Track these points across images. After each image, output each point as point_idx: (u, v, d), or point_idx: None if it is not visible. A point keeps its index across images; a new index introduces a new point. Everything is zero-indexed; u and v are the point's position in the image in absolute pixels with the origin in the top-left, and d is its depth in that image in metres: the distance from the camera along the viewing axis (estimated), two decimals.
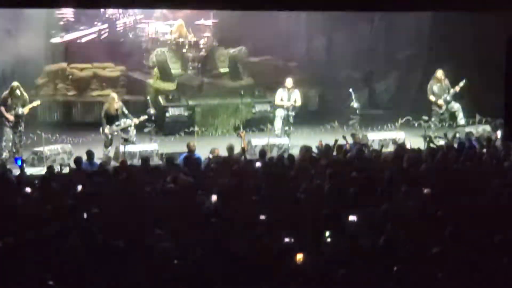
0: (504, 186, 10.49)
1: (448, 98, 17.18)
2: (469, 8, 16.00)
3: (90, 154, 13.23)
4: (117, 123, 15.44)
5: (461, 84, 16.98)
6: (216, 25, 19.52)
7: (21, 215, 9.27)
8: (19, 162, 12.91)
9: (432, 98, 17.21)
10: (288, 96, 16.51)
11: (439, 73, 17.26)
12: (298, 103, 16.62)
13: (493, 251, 7.96)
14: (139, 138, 15.83)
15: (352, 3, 14.97)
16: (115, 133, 15.42)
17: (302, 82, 20.03)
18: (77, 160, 12.71)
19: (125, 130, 15.51)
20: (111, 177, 11.61)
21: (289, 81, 16.68)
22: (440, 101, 17.13)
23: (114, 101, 15.51)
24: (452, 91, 17.13)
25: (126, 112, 15.64)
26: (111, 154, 15.25)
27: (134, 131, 15.59)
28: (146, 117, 15.79)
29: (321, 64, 21.27)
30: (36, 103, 15.36)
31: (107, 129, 15.30)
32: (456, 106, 17.27)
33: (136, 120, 15.54)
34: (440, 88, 17.21)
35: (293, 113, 16.57)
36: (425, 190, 10.38)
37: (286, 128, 16.54)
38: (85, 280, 7.45)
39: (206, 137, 17.38)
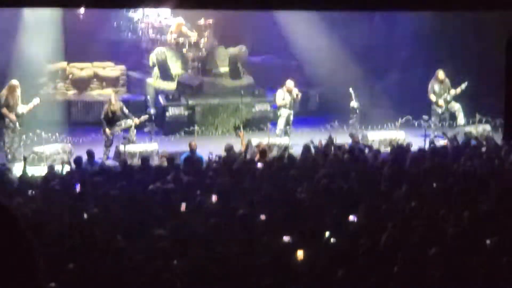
0: (504, 187, 10.50)
1: (449, 98, 17.18)
2: (469, 8, 16.01)
3: (90, 154, 13.24)
4: (118, 123, 15.45)
5: (463, 86, 17.01)
6: (216, 24, 19.52)
7: (22, 215, 9.27)
8: None
9: (432, 97, 17.24)
10: (291, 97, 16.53)
11: (440, 73, 17.30)
12: (299, 96, 16.67)
13: (492, 251, 7.97)
14: (139, 138, 15.83)
15: (352, 3, 14.97)
16: (116, 133, 15.45)
17: (302, 82, 20.06)
18: (77, 160, 12.72)
19: (125, 130, 15.54)
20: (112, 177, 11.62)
21: (290, 83, 16.66)
22: (441, 101, 17.15)
23: (111, 102, 15.51)
24: (453, 92, 17.13)
25: (126, 112, 15.64)
26: (111, 154, 15.25)
27: (135, 131, 15.61)
28: (147, 117, 15.83)
29: (321, 64, 21.28)
30: (36, 101, 15.31)
31: (108, 130, 15.31)
32: (456, 106, 17.28)
33: (136, 120, 15.55)
34: (441, 88, 17.23)
35: (292, 112, 16.64)
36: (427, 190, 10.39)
37: (287, 127, 16.57)
38: (86, 280, 7.45)
39: (206, 136, 17.39)
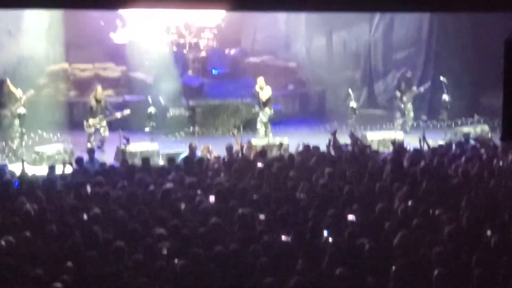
0: (502, 186, 10.56)
1: (410, 96, 17.92)
2: (468, 9, 16.04)
3: (90, 153, 13.40)
4: (100, 116, 15.51)
5: (421, 89, 18.08)
6: (216, 26, 19.59)
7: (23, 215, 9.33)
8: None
9: (398, 94, 18.14)
10: (261, 95, 16.38)
11: (408, 73, 18.34)
12: (263, 98, 16.36)
13: (492, 250, 8.02)
14: (139, 138, 15.88)
15: (352, 3, 14.99)
16: (98, 126, 15.46)
17: (302, 82, 20.13)
18: (78, 160, 12.78)
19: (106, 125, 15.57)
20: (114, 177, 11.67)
21: (260, 80, 16.62)
22: (404, 98, 17.98)
23: (97, 91, 15.58)
24: (415, 90, 18.04)
25: (109, 107, 15.74)
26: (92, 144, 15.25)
27: (107, 131, 15.58)
28: (129, 111, 15.80)
29: (321, 64, 21.35)
30: (29, 93, 15.35)
31: (90, 120, 15.40)
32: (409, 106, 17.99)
33: (118, 115, 15.60)
34: (405, 86, 18.06)
35: (268, 112, 16.37)
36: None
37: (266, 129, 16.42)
38: (88, 280, 7.51)
39: (206, 137, 17.44)
